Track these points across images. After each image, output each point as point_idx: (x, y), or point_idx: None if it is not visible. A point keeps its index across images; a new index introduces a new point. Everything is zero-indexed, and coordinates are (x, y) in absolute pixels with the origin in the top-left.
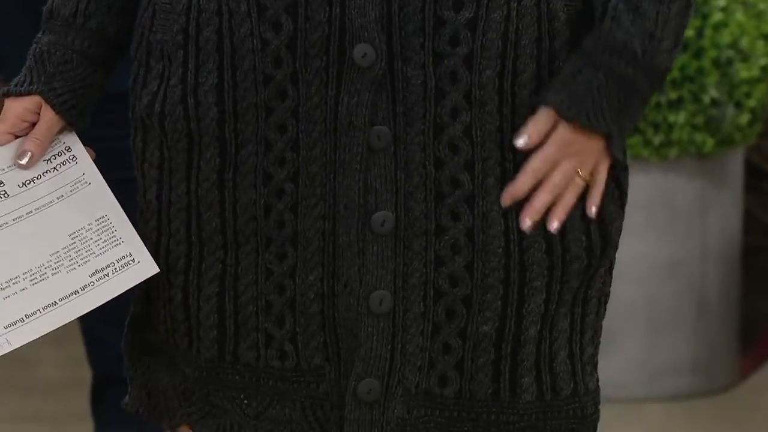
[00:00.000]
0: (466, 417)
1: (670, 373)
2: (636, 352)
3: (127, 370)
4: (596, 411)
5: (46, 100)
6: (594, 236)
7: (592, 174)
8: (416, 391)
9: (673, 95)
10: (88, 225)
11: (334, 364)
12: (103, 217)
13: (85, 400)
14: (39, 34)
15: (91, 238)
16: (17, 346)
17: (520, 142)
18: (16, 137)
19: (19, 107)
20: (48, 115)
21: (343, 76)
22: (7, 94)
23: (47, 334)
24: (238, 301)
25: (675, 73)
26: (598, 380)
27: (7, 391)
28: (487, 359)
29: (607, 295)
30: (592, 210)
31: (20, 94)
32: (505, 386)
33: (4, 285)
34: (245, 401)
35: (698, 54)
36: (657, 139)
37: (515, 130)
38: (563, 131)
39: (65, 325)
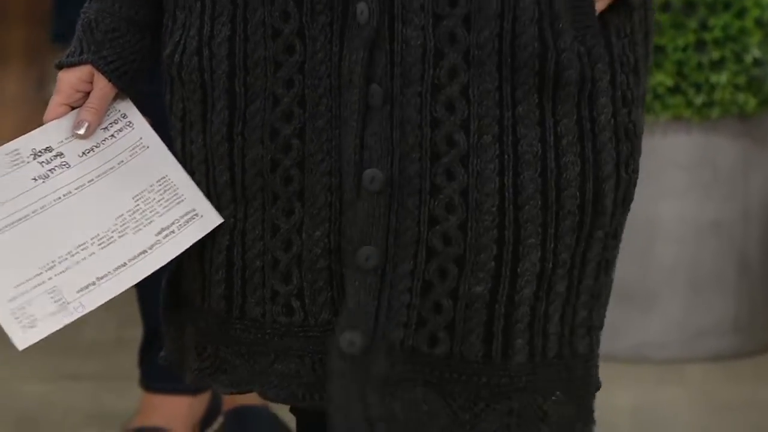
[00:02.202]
0: (456, 378)
1: (711, 334)
2: (677, 312)
3: (163, 326)
4: (589, 374)
5: (97, 69)
6: (588, 194)
7: None
8: (402, 347)
9: (715, 55)
10: (150, 187)
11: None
12: (164, 177)
13: (126, 360)
14: (87, 3)
15: (154, 199)
16: (90, 309)
17: None
18: (72, 108)
19: (71, 78)
20: (101, 84)
21: (345, 33)
22: (60, 66)
23: None
24: (245, 256)
25: (717, 33)
26: (591, 344)
27: (48, 350)
28: (479, 320)
29: (609, 261)
30: None
31: (72, 65)
32: (498, 348)
33: (74, 251)
34: (253, 357)
35: (741, 14)
36: (699, 100)
37: (516, 89)
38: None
39: None
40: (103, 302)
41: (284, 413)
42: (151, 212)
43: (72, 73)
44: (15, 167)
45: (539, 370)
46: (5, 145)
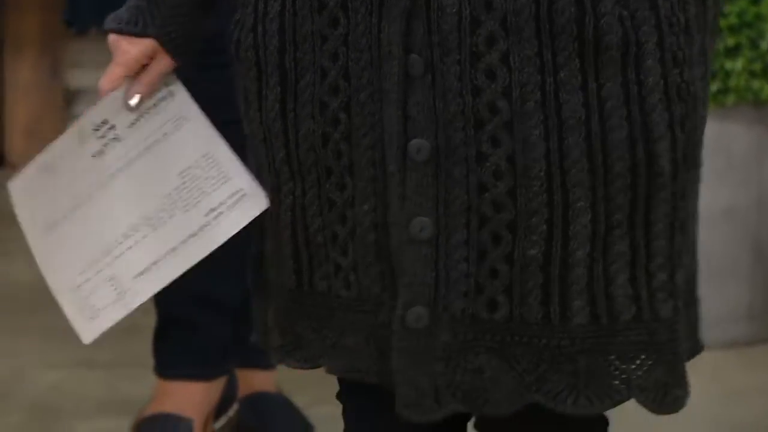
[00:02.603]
0: (518, 341)
1: (726, 321)
2: None
3: (252, 308)
4: (674, 339)
5: (162, 44)
6: (639, 155)
7: None
8: (462, 316)
9: (730, 42)
10: (195, 162)
11: (390, 294)
12: (208, 153)
13: (140, 347)
14: None
15: (201, 176)
16: (147, 297)
17: None
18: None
19: (136, 50)
20: (164, 60)
21: (383, 3)
22: (120, 32)
23: None
24: (308, 231)
25: (732, 20)
26: (676, 308)
27: (61, 337)
28: (535, 283)
29: (683, 221)
30: None
31: (133, 34)
32: (555, 310)
33: (128, 233)
34: (322, 331)
35: (756, 0)
36: (714, 86)
37: (556, 55)
38: None
39: None
40: (157, 290)
41: (298, 399)
42: (198, 191)
43: (136, 45)
44: (79, 145)
45: (610, 332)
46: (76, 122)
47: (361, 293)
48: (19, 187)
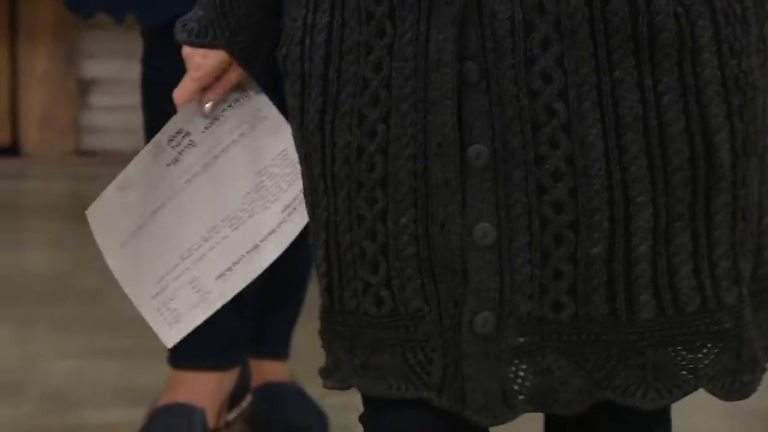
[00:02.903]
0: (585, 339)
1: None
2: None
3: None
4: (740, 326)
5: (232, 54)
6: (698, 147)
7: None
8: (528, 319)
9: None
10: (272, 160)
11: (434, 305)
12: (284, 150)
13: (154, 336)
14: None
15: (278, 174)
16: (230, 298)
17: None
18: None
19: (210, 65)
20: (237, 71)
21: (432, 12)
22: (191, 44)
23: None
24: (339, 249)
25: None
26: (741, 295)
27: (78, 326)
28: (600, 280)
29: (744, 208)
30: None
31: (202, 46)
32: (622, 306)
33: (208, 235)
34: (353, 351)
35: None
36: None
37: (611, 54)
38: None
39: None
40: (240, 288)
41: (311, 389)
42: (276, 189)
43: (207, 59)
44: (156, 157)
45: (676, 324)
46: (154, 137)
47: (396, 308)
48: (95, 212)
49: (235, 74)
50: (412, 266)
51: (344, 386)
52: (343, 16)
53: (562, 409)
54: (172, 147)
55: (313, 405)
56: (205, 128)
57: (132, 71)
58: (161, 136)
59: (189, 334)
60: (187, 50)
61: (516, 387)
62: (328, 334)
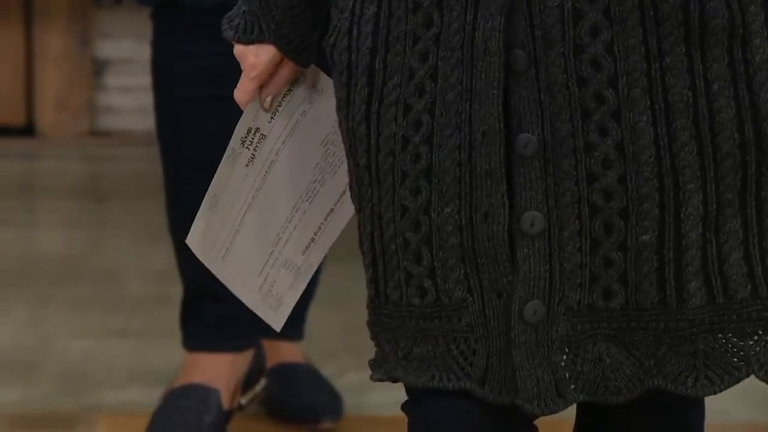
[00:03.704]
0: (635, 326)
1: None
2: None
3: None
4: None
5: (279, 48)
6: (748, 134)
7: None
8: (579, 307)
9: None
10: (333, 128)
11: (477, 295)
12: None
13: (170, 316)
14: None
15: (338, 141)
16: (315, 269)
17: None
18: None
19: (263, 64)
20: (288, 66)
21: (480, 1)
22: (238, 41)
23: (132, 250)
24: (383, 239)
25: None
26: None
27: (93, 307)
28: (650, 268)
29: None
30: None
31: (250, 42)
32: (672, 293)
33: (290, 216)
34: (396, 342)
35: None
36: None
37: (661, 41)
38: None
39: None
40: (324, 255)
41: (326, 369)
42: (340, 152)
43: (260, 57)
44: (234, 163)
45: (727, 311)
46: (228, 146)
47: (439, 298)
48: (194, 239)
49: (289, 66)
50: (455, 256)
51: (389, 379)
52: (390, 6)
53: (612, 398)
54: (247, 147)
55: (327, 385)
56: (271, 118)
57: (147, 52)
58: (233, 142)
59: (202, 317)
60: (239, 49)
61: (567, 376)
62: (375, 325)
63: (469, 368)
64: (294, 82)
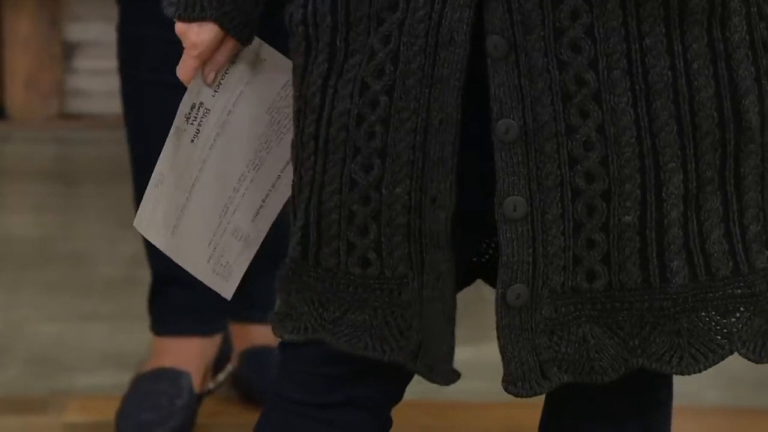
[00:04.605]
0: (619, 307)
1: None
2: None
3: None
4: None
5: (221, 27)
6: (726, 112)
7: None
8: (562, 290)
9: None
10: (278, 95)
11: (417, 273)
12: (287, 82)
13: (141, 300)
14: None
15: (285, 106)
16: (264, 235)
17: None
18: None
19: (205, 42)
20: (230, 42)
21: None
22: (179, 18)
23: (102, 234)
24: (321, 208)
25: None
26: None
27: (63, 290)
28: (633, 248)
29: None
30: None
31: (192, 20)
32: (655, 272)
33: (237, 186)
34: (322, 306)
35: None
36: None
37: (641, 23)
38: None
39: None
40: (272, 221)
41: None
42: (286, 120)
43: (201, 35)
44: (179, 140)
45: (709, 289)
46: (173, 124)
47: (383, 272)
48: (141, 219)
49: (232, 43)
50: (401, 234)
51: (301, 337)
52: None
53: (597, 378)
54: (191, 123)
55: None
56: (215, 92)
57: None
58: (177, 120)
59: (170, 301)
60: (180, 26)
61: (551, 358)
62: (291, 283)
63: (403, 342)
64: (238, 54)
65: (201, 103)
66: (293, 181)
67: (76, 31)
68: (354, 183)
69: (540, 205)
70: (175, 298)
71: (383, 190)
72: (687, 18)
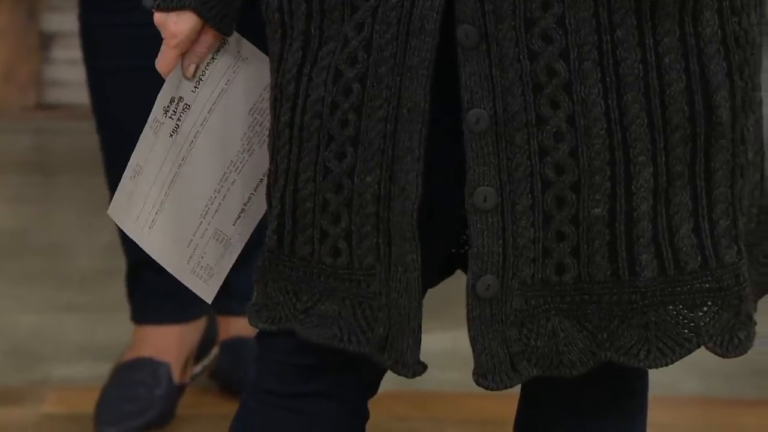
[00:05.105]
0: (588, 300)
1: None
2: None
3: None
4: (739, 282)
5: (200, 16)
6: (698, 106)
7: None
8: (532, 281)
9: None
10: (260, 96)
11: (384, 265)
12: (268, 84)
13: (119, 290)
14: None
15: (266, 108)
16: (248, 236)
17: None
18: None
19: (183, 33)
20: (210, 33)
21: None
22: (159, 8)
23: (80, 224)
24: (296, 196)
25: None
26: (740, 252)
27: (41, 281)
28: (602, 241)
29: (743, 165)
30: None
31: (171, 9)
32: (624, 265)
33: (218, 187)
34: (295, 295)
35: None
36: None
37: (612, 14)
38: None
39: (99, 214)
40: (255, 224)
41: None
42: (268, 120)
43: (180, 26)
44: (157, 133)
45: (677, 283)
46: (150, 115)
47: (352, 262)
48: (116, 208)
49: (211, 34)
50: (370, 224)
51: (274, 327)
52: None
53: (566, 371)
54: (170, 117)
55: None
56: (195, 87)
57: None
58: (155, 111)
59: (148, 289)
60: (158, 16)
61: (521, 350)
62: (268, 272)
63: (370, 333)
64: (217, 50)
65: (180, 98)
66: (269, 169)
67: (53, 22)
68: (328, 171)
69: (510, 196)
70: (152, 283)
71: (355, 179)
72: (659, 11)
